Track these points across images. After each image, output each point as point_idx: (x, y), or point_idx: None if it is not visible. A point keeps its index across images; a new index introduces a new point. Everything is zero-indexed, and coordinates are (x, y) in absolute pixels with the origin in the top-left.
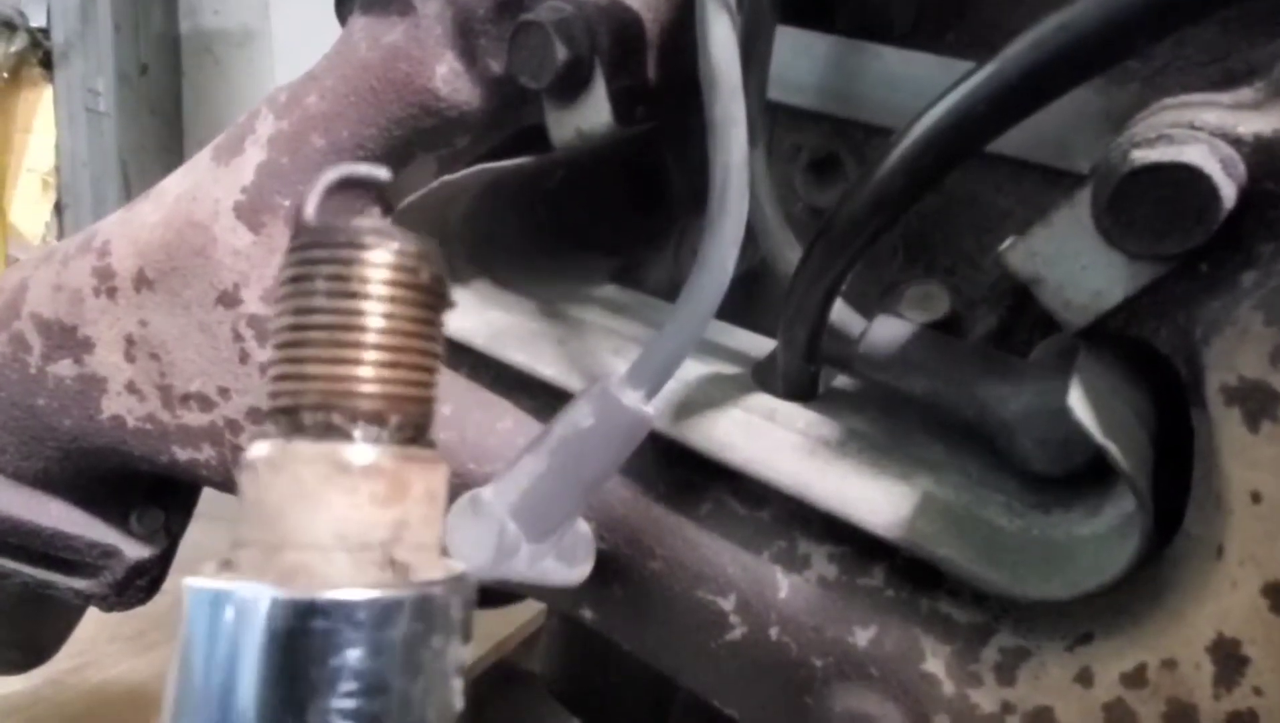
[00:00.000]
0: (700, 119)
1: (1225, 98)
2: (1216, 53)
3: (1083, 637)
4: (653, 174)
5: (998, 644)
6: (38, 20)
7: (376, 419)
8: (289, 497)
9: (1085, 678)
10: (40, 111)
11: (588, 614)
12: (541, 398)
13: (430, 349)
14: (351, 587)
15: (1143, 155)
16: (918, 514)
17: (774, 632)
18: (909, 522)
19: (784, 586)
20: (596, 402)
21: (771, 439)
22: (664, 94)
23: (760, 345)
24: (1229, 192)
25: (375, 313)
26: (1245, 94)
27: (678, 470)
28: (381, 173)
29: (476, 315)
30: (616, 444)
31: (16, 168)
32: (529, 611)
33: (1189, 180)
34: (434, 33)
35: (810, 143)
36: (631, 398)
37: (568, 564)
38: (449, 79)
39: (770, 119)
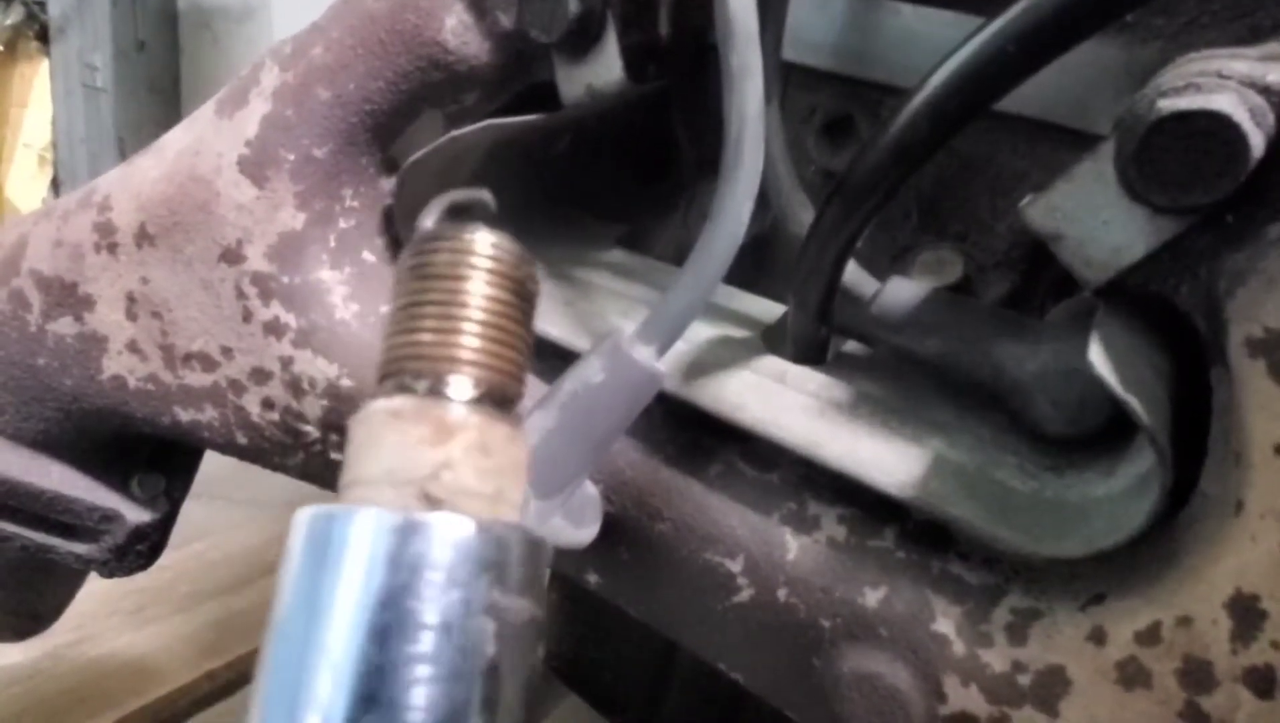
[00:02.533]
0: (711, 80)
1: (1252, 51)
2: (1242, 9)
3: (1095, 597)
4: (661, 141)
5: (1009, 605)
6: None
7: (454, 379)
8: (361, 442)
9: (1098, 637)
10: (37, 86)
11: (593, 578)
12: (547, 360)
13: (520, 333)
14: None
15: (1170, 104)
16: (930, 475)
17: (782, 593)
18: (921, 482)
19: (793, 547)
20: (607, 357)
21: (782, 400)
22: (676, 51)
23: (771, 310)
24: (1258, 141)
25: (476, 292)
26: (1273, 47)
27: (687, 433)
28: (488, 197)
29: None
30: (627, 400)
31: (13, 143)
32: None
33: (1217, 129)
34: None
35: (825, 105)
36: (643, 354)
37: (575, 525)
38: (458, 31)
39: (784, 79)
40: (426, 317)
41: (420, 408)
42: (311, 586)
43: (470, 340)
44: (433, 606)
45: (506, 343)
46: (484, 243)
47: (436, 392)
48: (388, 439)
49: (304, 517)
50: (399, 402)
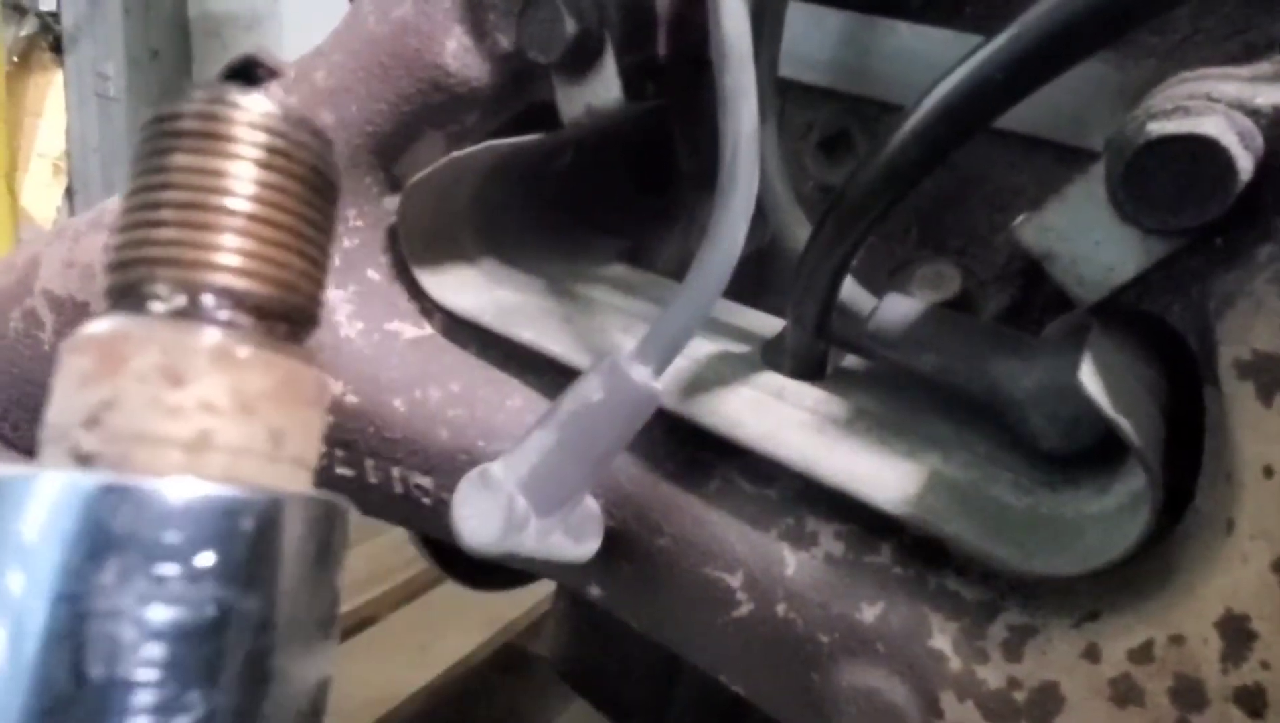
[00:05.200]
0: (710, 96)
1: (1243, 71)
2: (1236, 26)
3: (1090, 614)
4: (661, 154)
5: (1005, 621)
6: (47, 4)
7: (207, 289)
8: (78, 376)
9: (1092, 654)
10: (50, 96)
11: (595, 591)
12: (550, 376)
13: (309, 235)
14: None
15: (1159, 127)
16: (926, 491)
17: (781, 608)
18: (917, 499)
19: (791, 563)
20: (605, 376)
21: (780, 416)
22: (674, 70)
23: (769, 325)
24: (1246, 164)
25: (242, 175)
26: (1264, 67)
27: (686, 448)
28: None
29: (485, 293)
30: (625, 419)
31: (27, 152)
32: (536, 594)
33: (1205, 152)
34: (443, 7)
35: (822, 120)
36: (640, 373)
37: (576, 540)
38: (458, 54)
39: (781, 96)
40: (168, 206)
41: (155, 331)
42: None
43: (232, 239)
44: (129, 604)
45: (288, 246)
46: (257, 108)
47: (182, 307)
48: (108, 375)
49: None
50: (126, 323)
